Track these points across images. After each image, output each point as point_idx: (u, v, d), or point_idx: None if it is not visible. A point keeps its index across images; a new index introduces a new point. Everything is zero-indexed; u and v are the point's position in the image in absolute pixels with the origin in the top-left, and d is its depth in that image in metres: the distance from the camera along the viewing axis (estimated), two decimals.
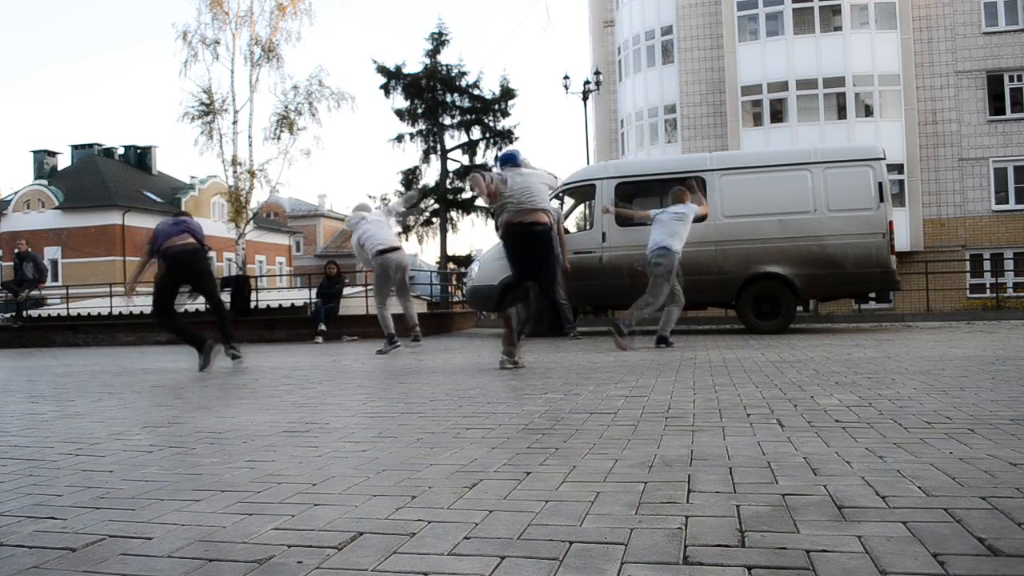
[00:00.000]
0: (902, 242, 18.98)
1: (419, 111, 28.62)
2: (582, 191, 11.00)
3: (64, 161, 42.59)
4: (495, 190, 5.46)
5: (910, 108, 21.65)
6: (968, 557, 1.32)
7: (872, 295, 11.80)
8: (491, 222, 29.48)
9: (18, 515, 1.81)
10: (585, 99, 21.61)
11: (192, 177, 43.03)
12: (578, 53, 62.05)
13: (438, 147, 28.95)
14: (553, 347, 7.81)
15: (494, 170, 5.79)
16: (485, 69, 70.46)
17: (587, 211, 11.69)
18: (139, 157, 43.57)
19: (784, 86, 22.04)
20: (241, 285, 13.46)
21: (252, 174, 21.43)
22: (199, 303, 8.48)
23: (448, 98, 28.70)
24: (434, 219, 29.00)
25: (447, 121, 28.93)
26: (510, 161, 5.79)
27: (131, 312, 14.53)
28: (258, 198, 23.05)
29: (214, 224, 40.40)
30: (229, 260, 38.86)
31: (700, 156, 11.36)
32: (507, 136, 28.93)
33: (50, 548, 1.54)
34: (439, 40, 29.08)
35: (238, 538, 1.56)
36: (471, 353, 7.51)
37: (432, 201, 28.95)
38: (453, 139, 29.25)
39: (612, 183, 10.52)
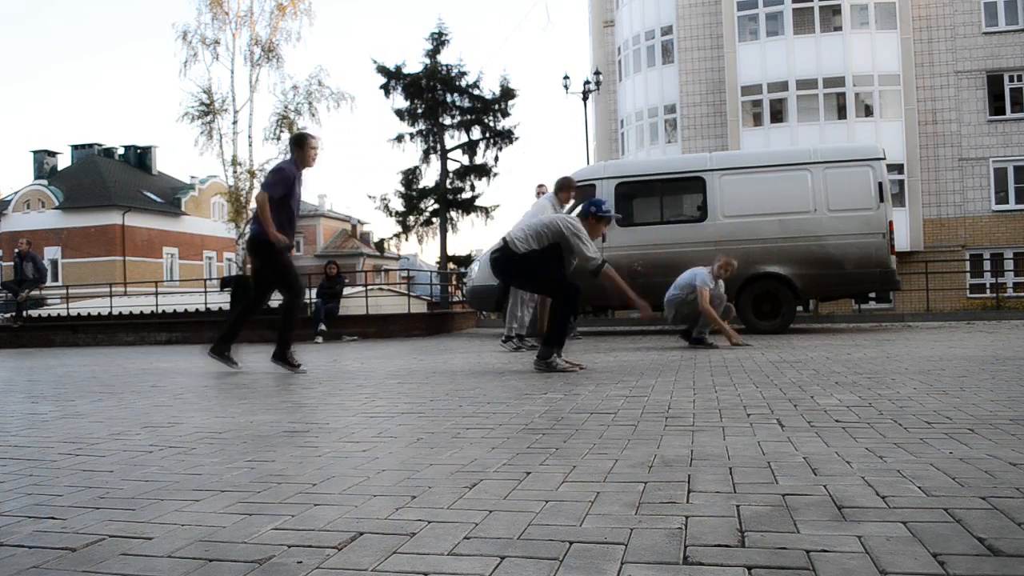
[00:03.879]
0: (902, 242, 18.99)
1: (419, 111, 28.61)
2: (582, 191, 11.00)
3: (64, 161, 42.65)
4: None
5: (910, 108, 21.66)
6: (968, 557, 1.32)
7: (872, 295, 11.80)
8: (491, 222, 29.53)
9: (18, 515, 1.81)
10: (585, 99, 21.60)
11: (192, 177, 43.07)
12: (578, 53, 62.20)
13: (438, 147, 28.94)
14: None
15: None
16: (485, 69, 70.56)
17: None
18: (139, 157, 43.60)
19: (784, 86, 22.05)
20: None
21: (252, 174, 21.44)
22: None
23: (448, 98, 28.68)
24: (434, 219, 28.99)
25: (447, 121, 28.92)
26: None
27: (131, 312, 14.57)
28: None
29: (214, 224, 40.50)
30: (229, 260, 38.89)
31: (700, 156, 11.36)
32: (507, 136, 28.92)
33: (50, 548, 1.54)
34: (439, 40, 29.06)
35: (238, 538, 1.56)
36: (471, 353, 7.51)
37: (432, 201, 28.94)
38: (453, 139, 29.25)
39: (612, 183, 10.52)
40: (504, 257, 5.27)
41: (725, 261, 7.62)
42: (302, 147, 5.81)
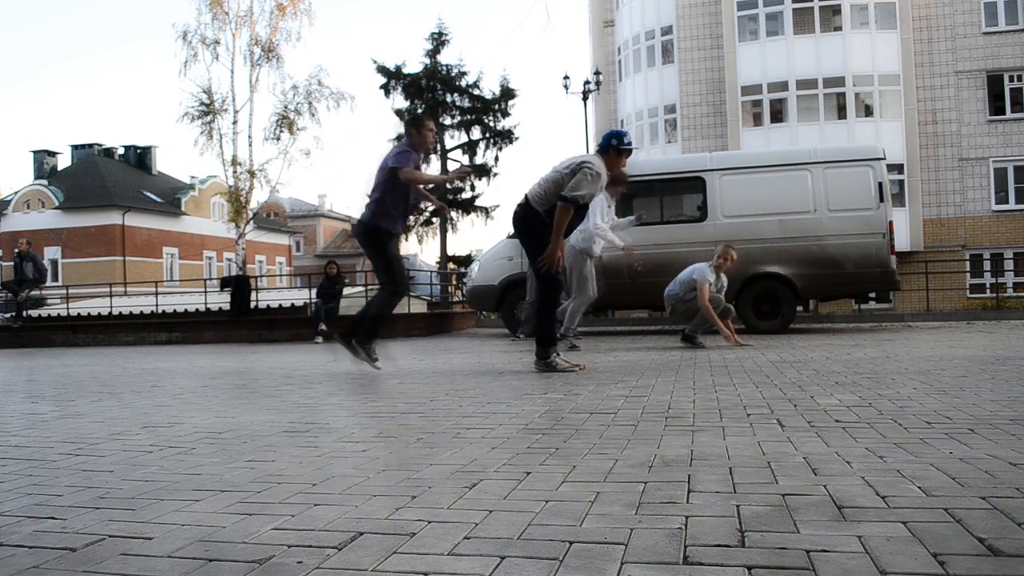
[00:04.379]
0: (902, 242, 18.99)
1: (419, 111, 28.61)
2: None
3: (64, 161, 42.64)
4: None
5: (910, 108, 21.66)
6: (968, 557, 1.32)
7: (872, 295, 11.80)
8: (491, 222, 29.54)
9: (18, 515, 1.81)
10: (585, 99, 21.60)
11: (192, 177, 43.05)
12: (578, 53, 62.16)
13: (438, 147, 28.94)
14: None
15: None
16: (485, 69, 70.47)
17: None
18: (139, 157, 43.59)
19: (784, 86, 22.05)
20: (241, 285, 13.47)
21: (252, 174, 21.41)
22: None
23: (448, 98, 28.70)
24: (434, 219, 28.99)
25: (447, 121, 28.93)
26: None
27: (131, 312, 14.57)
28: (258, 198, 23.04)
29: (214, 224, 40.50)
30: (229, 260, 38.89)
31: (700, 156, 11.35)
32: (507, 136, 28.93)
33: (50, 548, 1.54)
34: (439, 40, 29.08)
35: (238, 538, 1.56)
36: (471, 353, 7.51)
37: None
38: (453, 139, 29.27)
39: None
40: (526, 212, 5.08)
41: (724, 250, 7.49)
42: (420, 129, 5.53)
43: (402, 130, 30.45)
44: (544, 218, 5.00)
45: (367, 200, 5.57)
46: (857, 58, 21.52)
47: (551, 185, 5.00)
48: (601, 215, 7.36)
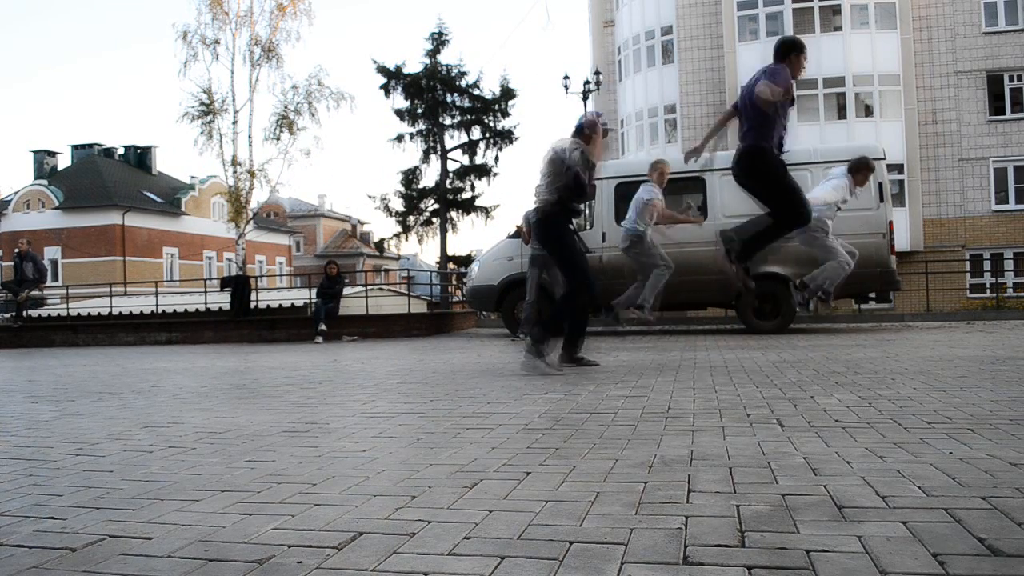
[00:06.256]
0: (902, 242, 18.99)
1: (419, 111, 28.60)
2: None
3: (64, 161, 42.61)
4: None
5: (910, 108, 21.65)
6: (968, 557, 1.32)
7: (872, 295, 11.79)
8: (491, 222, 29.53)
9: (18, 515, 1.81)
10: (585, 99, 21.58)
11: (192, 177, 43.03)
12: (578, 53, 62.10)
13: (438, 147, 28.93)
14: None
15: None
16: (485, 69, 70.56)
17: (587, 211, 11.68)
18: (139, 157, 43.57)
19: None
20: (241, 285, 13.47)
21: (252, 174, 21.40)
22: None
23: (448, 98, 28.67)
24: (434, 219, 28.98)
25: (447, 121, 28.90)
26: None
27: (131, 312, 14.57)
28: (258, 198, 23.02)
29: (214, 224, 40.50)
30: (229, 260, 38.89)
31: (700, 156, 11.32)
32: (507, 136, 28.90)
33: (50, 548, 1.54)
34: (439, 40, 29.05)
35: (238, 538, 1.56)
36: (471, 353, 7.51)
37: (432, 201, 28.93)
38: (453, 139, 29.23)
39: (612, 183, 10.52)
40: (544, 216, 5.19)
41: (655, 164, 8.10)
42: (800, 55, 5.06)
43: (402, 130, 30.02)
44: (562, 214, 5.17)
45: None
46: (857, 58, 21.51)
47: (554, 176, 5.13)
48: (835, 192, 7.45)
